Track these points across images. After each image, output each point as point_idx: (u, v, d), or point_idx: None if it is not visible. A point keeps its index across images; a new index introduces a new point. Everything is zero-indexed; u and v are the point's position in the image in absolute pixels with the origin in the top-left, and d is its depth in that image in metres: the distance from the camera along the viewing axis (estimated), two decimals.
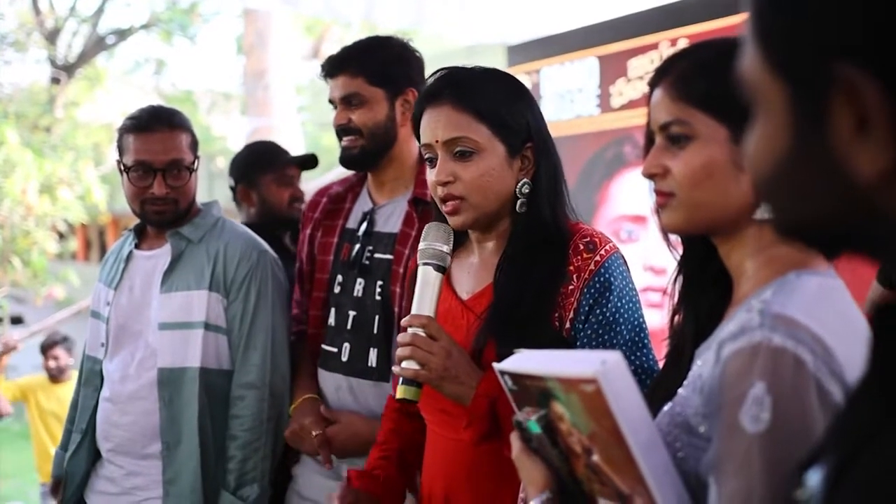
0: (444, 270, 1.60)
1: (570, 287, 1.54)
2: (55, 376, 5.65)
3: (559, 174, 1.63)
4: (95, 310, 2.48)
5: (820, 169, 0.64)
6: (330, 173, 7.00)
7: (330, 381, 2.26)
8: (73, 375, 5.72)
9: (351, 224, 2.31)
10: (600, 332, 1.52)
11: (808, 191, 0.65)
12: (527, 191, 1.59)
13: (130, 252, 2.45)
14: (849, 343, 1.01)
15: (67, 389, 5.62)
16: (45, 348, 5.70)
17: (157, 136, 2.33)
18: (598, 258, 1.54)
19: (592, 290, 1.53)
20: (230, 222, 2.47)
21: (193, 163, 2.37)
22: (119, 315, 2.40)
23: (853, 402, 0.67)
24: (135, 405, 2.33)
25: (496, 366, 1.18)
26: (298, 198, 3.07)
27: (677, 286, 1.27)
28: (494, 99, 1.59)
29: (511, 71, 4.21)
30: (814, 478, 0.66)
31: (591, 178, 3.80)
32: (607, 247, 1.56)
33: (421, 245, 1.62)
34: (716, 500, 1.00)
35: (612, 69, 3.71)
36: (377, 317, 2.15)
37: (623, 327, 1.52)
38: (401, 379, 1.55)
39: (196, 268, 2.35)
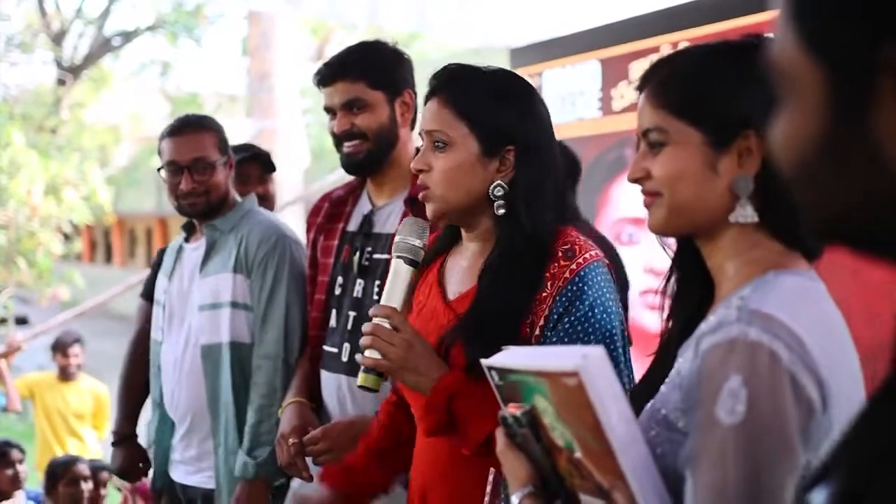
0: (416, 264, 1.64)
1: (544, 294, 1.54)
2: (68, 374, 5.64)
3: (545, 182, 1.63)
4: (157, 299, 2.79)
5: (856, 156, 0.59)
6: (332, 175, 7.02)
7: (332, 382, 2.27)
8: (82, 376, 5.72)
9: (352, 227, 2.32)
10: (566, 340, 1.52)
11: (842, 180, 0.61)
12: (499, 193, 1.60)
13: (181, 246, 2.77)
14: (824, 340, 1.04)
15: (74, 389, 5.63)
16: (64, 346, 5.65)
17: (183, 137, 2.62)
18: (574, 266, 1.54)
19: (563, 299, 1.53)
20: (259, 211, 2.72)
21: (220, 160, 2.62)
22: (171, 301, 2.71)
23: (865, 418, 0.63)
24: (189, 381, 2.60)
25: (484, 362, 1.20)
26: (257, 195, 3.13)
27: (670, 288, 1.30)
28: (476, 97, 1.62)
29: None
30: (818, 498, 0.62)
31: (592, 181, 3.81)
32: (586, 255, 1.56)
33: (395, 239, 1.65)
34: (692, 492, 1.02)
35: (614, 72, 3.73)
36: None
37: (591, 337, 1.52)
38: (363, 367, 1.59)
39: (225, 254, 2.61)
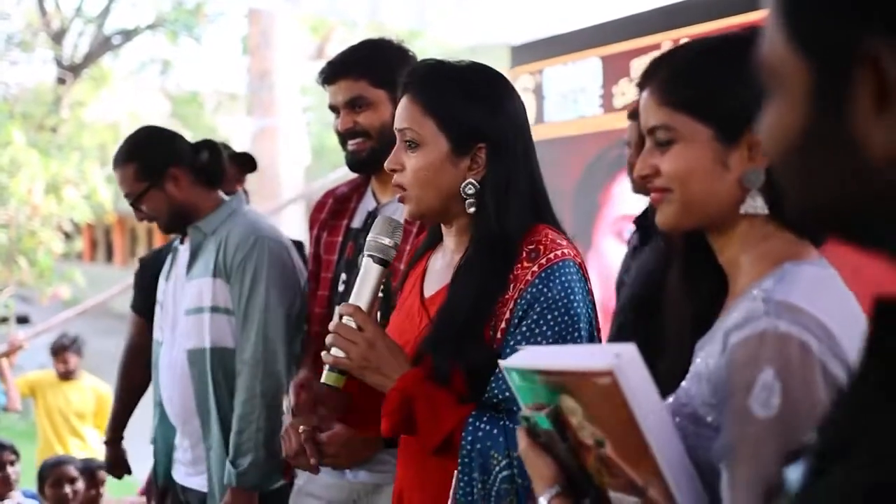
0: (385, 263, 1.63)
1: (507, 296, 1.53)
2: (68, 374, 5.65)
3: (517, 179, 1.60)
4: (158, 297, 2.78)
5: (836, 147, 0.62)
6: (334, 174, 7.02)
7: None
8: (83, 375, 5.73)
9: (356, 223, 2.32)
10: (522, 342, 1.50)
11: (823, 170, 0.64)
12: (471, 191, 1.58)
13: (176, 246, 2.76)
14: (849, 328, 1.05)
15: (75, 388, 5.62)
16: (56, 351, 5.68)
17: (115, 173, 2.68)
18: (535, 268, 1.51)
19: (524, 302, 1.51)
20: (242, 212, 2.66)
21: (146, 188, 2.61)
22: (167, 302, 2.70)
23: (844, 396, 0.66)
24: (182, 383, 2.58)
25: (502, 363, 1.18)
26: (229, 193, 3.19)
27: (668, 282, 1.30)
28: (445, 94, 1.60)
29: (514, 71, 4.23)
30: (794, 473, 0.66)
31: (593, 179, 3.82)
32: (552, 255, 1.52)
33: (368, 237, 1.65)
34: (729, 486, 1.03)
35: (615, 69, 3.72)
36: (378, 314, 2.16)
37: (549, 338, 1.50)
38: (327, 365, 1.59)
39: (207, 257, 2.58)
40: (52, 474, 4.09)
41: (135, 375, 3.06)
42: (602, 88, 3.80)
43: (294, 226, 7.59)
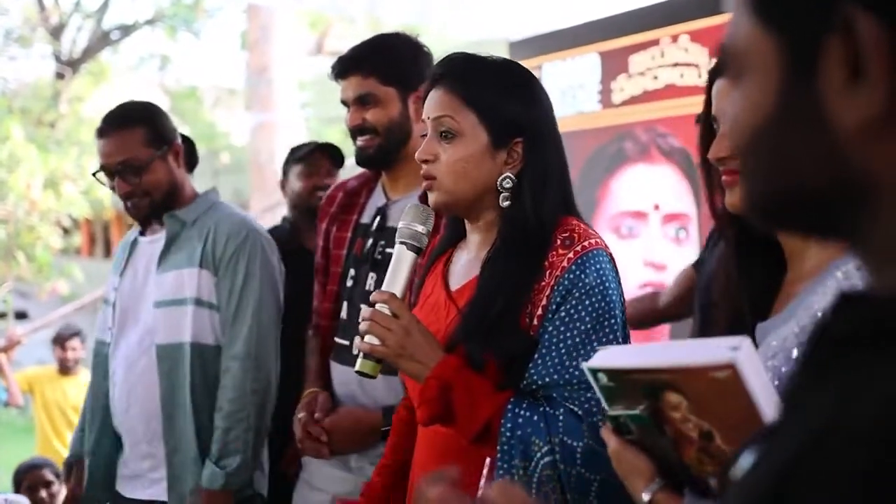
0: (419, 251, 1.62)
1: (543, 283, 1.53)
2: (66, 368, 5.64)
3: (552, 172, 1.61)
4: (106, 297, 2.60)
5: (807, 123, 0.59)
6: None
7: (342, 374, 2.27)
8: (83, 370, 5.73)
9: (365, 219, 2.32)
10: (561, 328, 1.51)
11: (793, 150, 0.60)
12: (508, 185, 1.59)
13: (135, 239, 2.57)
14: None
15: (74, 383, 5.62)
16: (63, 339, 5.65)
17: (107, 139, 2.42)
18: (571, 255, 1.52)
19: (561, 287, 1.51)
20: (225, 205, 2.54)
21: (153, 156, 2.41)
22: (123, 299, 2.51)
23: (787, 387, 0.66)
24: (143, 383, 2.41)
25: (585, 365, 1.15)
26: (321, 187, 3.04)
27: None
28: (486, 88, 1.60)
29: None
30: (746, 460, 0.64)
31: (591, 175, 3.81)
32: (586, 242, 1.54)
33: (399, 224, 1.64)
34: None
35: (614, 65, 3.72)
36: None
37: (588, 324, 1.51)
38: (361, 353, 1.57)
39: (189, 247, 2.43)
40: (26, 478, 4.06)
41: None
42: (601, 84, 3.80)
43: None
